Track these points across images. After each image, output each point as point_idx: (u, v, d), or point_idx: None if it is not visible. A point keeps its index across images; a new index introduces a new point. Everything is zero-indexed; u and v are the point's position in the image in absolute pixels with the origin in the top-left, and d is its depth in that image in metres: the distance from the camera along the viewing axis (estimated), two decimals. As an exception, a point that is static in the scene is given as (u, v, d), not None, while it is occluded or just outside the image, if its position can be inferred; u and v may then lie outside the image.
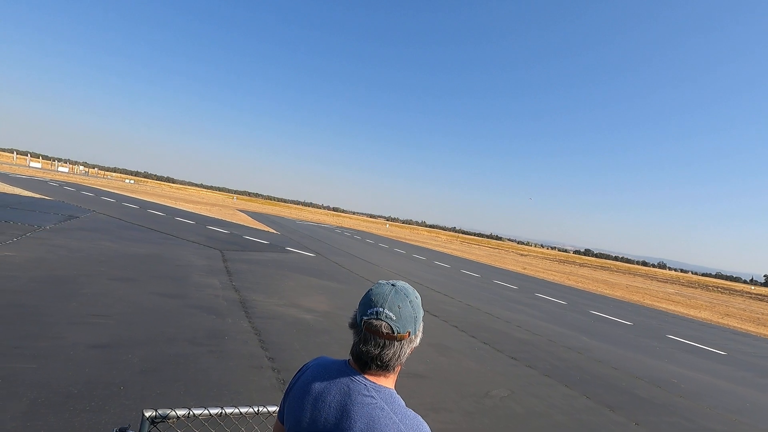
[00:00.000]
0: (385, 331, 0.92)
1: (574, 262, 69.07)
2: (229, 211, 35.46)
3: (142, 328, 4.68)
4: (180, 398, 3.30)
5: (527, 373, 5.77)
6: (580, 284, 25.06)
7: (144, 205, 24.72)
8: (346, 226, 54.27)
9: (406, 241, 42.14)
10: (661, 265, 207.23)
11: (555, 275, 29.46)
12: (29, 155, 77.44)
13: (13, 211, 12.30)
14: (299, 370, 1.07)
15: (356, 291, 9.43)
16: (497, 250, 66.27)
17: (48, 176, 41.31)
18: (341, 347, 5.34)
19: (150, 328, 4.76)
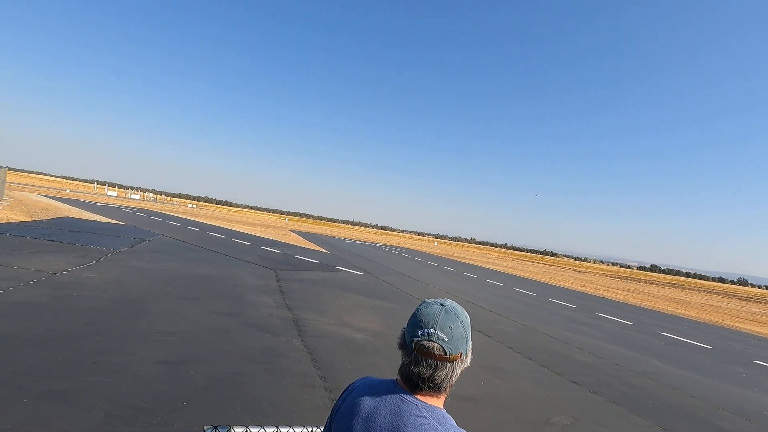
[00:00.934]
0: (437, 352, 0.91)
1: (638, 279, 64.25)
2: (282, 232, 36.81)
3: (204, 346, 4.93)
4: (238, 415, 3.41)
5: (592, 399, 5.38)
6: (647, 303, 23.21)
7: (205, 227, 26.30)
8: (395, 245, 54.38)
9: (456, 259, 41.39)
10: (742, 282, 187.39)
11: (618, 293, 27.55)
12: (107, 185, 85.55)
13: (93, 236, 13.56)
14: (345, 390, 1.08)
15: (406, 310, 9.36)
16: (552, 267, 63.23)
17: (122, 203, 45.25)
18: (392, 367, 5.27)
19: (211, 345, 5.00)
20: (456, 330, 0.93)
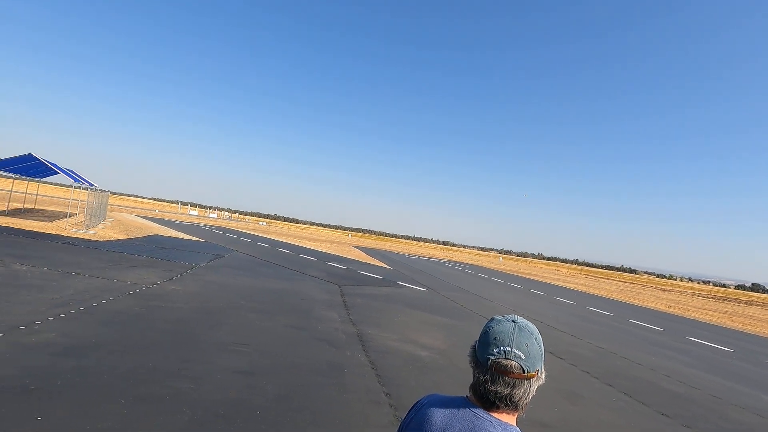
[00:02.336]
0: (515, 371, 0.91)
1: (737, 300, 56.87)
2: (345, 248, 37.74)
3: (274, 358, 5.16)
4: (306, 427, 3.51)
5: (684, 434, 4.82)
6: (749, 327, 20.45)
7: (274, 244, 27.74)
8: (457, 260, 53.36)
9: (522, 275, 39.60)
10: None
11: (711, 315, 24.59)
12: (189, 205, 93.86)
13: (178, 252, 14.88)
14: (413, 407, 1.08)
15: (471, 328, 9.10)
16: (631, 285, 58.05)
17: (202, 222, 49.22)
18: (457, 386, 5.14)
19: (281, 357, 5.22)
20: (532, 347, 0.93)
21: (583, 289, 32.70)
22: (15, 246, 10.74)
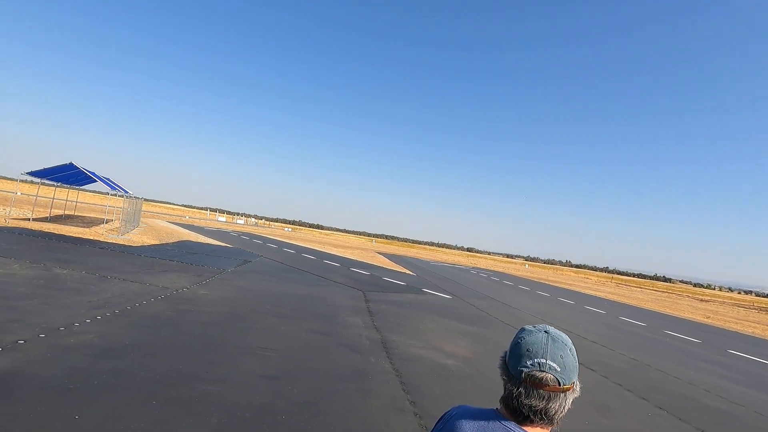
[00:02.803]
0: (550, 383, 0.88)
1: (783, 311, 53.59)
2: (369, 254, 37.83)
3: (300, 362, 5.21)
4: (331, 433, 3.51)
5: (727, 453, 4.56)
6: (797, 340, 19.22)
7: (299, 249, 28.11)
8: (482, 267, 52.61)
9: (550, 283, 38.65)
10: None
11: (754, 327, 23.28)
12: (218, 212, 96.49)
13: (206, 257, 15.28)
14: (441, 419, 1.05)
15: (497, 337, 8.93)
16: (666, 294, 55.68)
17: (230, 228, 50.42)
18: (484, 396, 5.05)
19: (306, 362, 5.26)
20: (567, 359, 0.90)
21: (614, 298, 31.60)
22: (57, 251, 11.29)
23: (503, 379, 0.95)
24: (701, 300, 54.29)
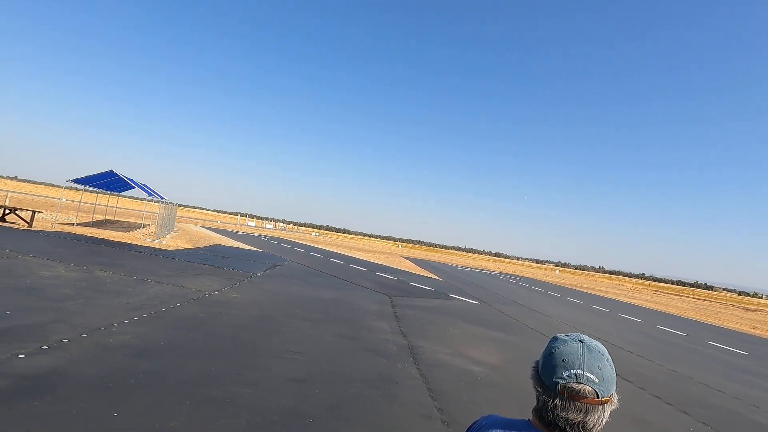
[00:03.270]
0: (589, 396, 0.85)
1: (841, 322, 49.80)
2: (395, 259, 37.79)
3: (326, 366, 5.24)
4: (358, 438, 3.51)
5: (778, 474, 4.26)
6: None
7: (326, 254, 28.40)
8: (510, 272, 51.60)
9: (582, 289, 37.45)
10: None
11: (809, 339, 21.72)
12: (247, 216, 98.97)
13: (237, 261, 15.67)
14: (470, 428, 1.02)
15: (527, 344, 8.71)
16: (708, 303, 52.79)
17: (259, 232, 51.56)
18: (514, 405, 4.93)
19: (332, 366, 5.29)
20: (605, 370, 0.87)
21: (652, 306, 30.27)
22: (98, 254, 11.85)
23: (537, 390, 0.92)
24: (747, 309, 51.17)
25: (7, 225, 15.79)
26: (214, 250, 18.97)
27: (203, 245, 20.33)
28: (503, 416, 1.01)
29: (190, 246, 18.89)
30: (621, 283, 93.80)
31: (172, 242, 19.05)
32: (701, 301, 54.41)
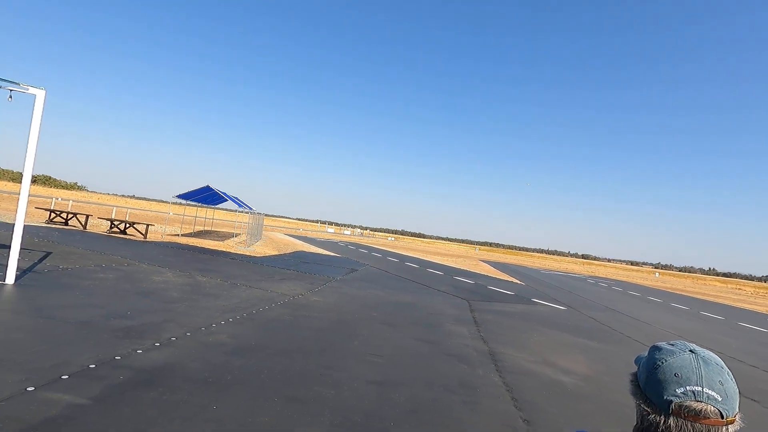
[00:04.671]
0: (712, 416, 0.72)
1: None
2: (473, 262, 36.87)
3: (405, 370, 5.25)
4: (439, 445, 3.44)
5: None
6: None
7: (402, 258, 28.62)
8: (600, 276, 47.62)
9: (687, 294, 33.30)
10: None
11: None
12: (327, 223, 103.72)
13: (318, 266, 16.43)
14: None
15: (622, 353, 7.94)
16: None
17: (337, 238, 53.62)
18: (610, 420, 4.50)
19: (411, 370, 5.28)
20: (727, 385, 0.74)
21: (781, 313, 25.90)
22: (199, 261, 13.18)
23: (641, 407, 0.80)
24: None
25: (127, 237, 18.24)
26: (298, 256, 20.09)
27: (287, 252, 21.64)
28: None
29: (276, 252, 20.22)
30: (739, 287, 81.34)
31: (260, 249, 20.56)
32: None
